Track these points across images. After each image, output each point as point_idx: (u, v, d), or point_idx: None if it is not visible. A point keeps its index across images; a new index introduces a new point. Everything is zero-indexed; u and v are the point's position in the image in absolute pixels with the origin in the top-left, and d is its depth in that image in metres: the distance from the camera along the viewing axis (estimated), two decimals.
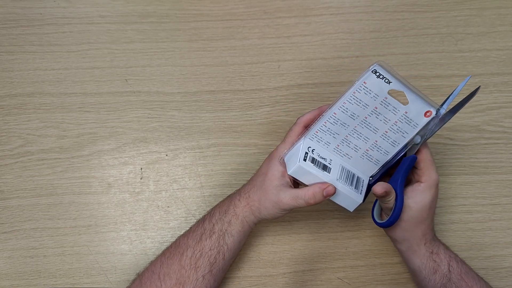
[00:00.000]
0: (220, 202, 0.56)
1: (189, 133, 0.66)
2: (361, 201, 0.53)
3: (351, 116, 0.52)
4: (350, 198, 0.53)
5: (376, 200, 0.56)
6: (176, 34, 0.70)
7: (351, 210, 0.54)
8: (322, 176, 0.51)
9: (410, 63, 0.69)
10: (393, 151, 0.54)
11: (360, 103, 0.51)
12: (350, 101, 0.51)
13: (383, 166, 0.55)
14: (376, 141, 0.53)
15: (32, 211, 0.63)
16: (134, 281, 0.54)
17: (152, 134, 0.66)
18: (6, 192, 0.64)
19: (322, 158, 0.53)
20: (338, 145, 0.53)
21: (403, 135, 0.53)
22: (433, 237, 0.54)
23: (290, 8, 0.72)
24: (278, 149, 0.54)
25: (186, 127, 0.67)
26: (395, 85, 0.50)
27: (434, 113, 0.52)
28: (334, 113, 0.51)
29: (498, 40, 0.70)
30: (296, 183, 0.54)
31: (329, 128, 0.52)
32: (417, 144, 0.53)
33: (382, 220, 0.55)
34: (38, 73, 0.68)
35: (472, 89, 0.51)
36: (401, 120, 0.52)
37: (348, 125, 0.52)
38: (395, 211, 0.51)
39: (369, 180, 0.55)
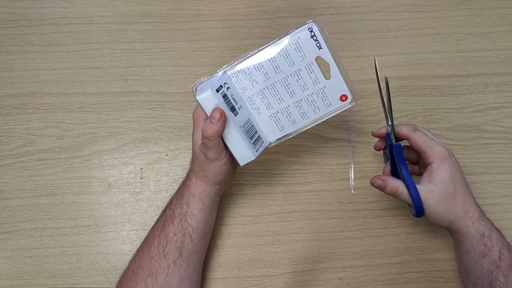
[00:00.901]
0: (177, 188, 0.57)
1: (189, 133, 0.66)
2: (254, 158, 0.52)
3: (275, 68, 0.50)
4: (244, 150, 0.51)
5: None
6: (176, 34, 0.70)
7: (241, 164, 0.52)
8: (227, 115, 0.49)
9: (410, 63, 0.69)
10: (300, 123, 0.53)
11: (288, 57, 0.49)
12: (280, 52, 0.49)
13: (285, 136, 0.53)
14: (289, 106, 0.52)
15: (32, 211, 0.63)
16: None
17: (152, 134, 0.66)
18: (6, 192, 0.64)
19: (234, 100, 0.50)
20: (253, 95, 0.51)
21: (314, 109, 0.52)
22: (481, 216, 0.53)
23: (290, 8, 0.72)
24: (194, 111, 0.52)
25: (186, 127, 0.67)
26: (324, 54, 0.49)
27: (349, 99, 0.51)
28: (261, 59, 0.50)
29: (498, 40, 0.70)
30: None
31: (251, 72, 0.50)
32: (390, 133, 0.53)
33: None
34: (38, 73, 0.68)
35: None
36: (317, 93, 0.51)
37: (269, 77, 0.50)
38: (414, 199, 0.51)
39: (269, 144, 0.54)
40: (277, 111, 0.52)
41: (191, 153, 0.65)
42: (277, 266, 0.61)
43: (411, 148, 0.55)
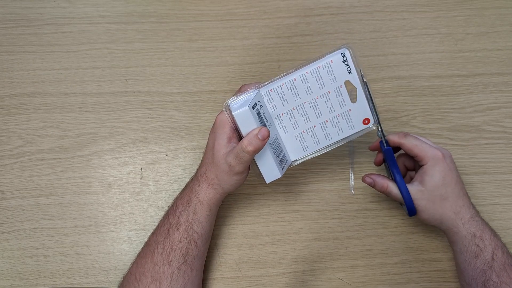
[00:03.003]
0: (180, 192, 0.56)
1: (189, 133, 0.66)
2: (280, 176, 0.53)
3: (306, 89, 0.52)
4: (272, 168, 0.52)
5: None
6: (176, 34, 0.70)
7: (267, 182, 0.53)
8: None
9: (410, 63, 0.69)
10: (323, 143, 0.54)
11: (319, 80, 0.51)
12: (312, 73, 0.51)
13: (307, 155, 0.55)
14: (315, 126, 0.53)
15: (32, 211, 0.63)
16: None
17: (152, 134, 0.66)
18: (6, 192, 0.64)
19: (265, 118, 0.52)
20: (282, 114, 0.53)
21: (338, 131, 0.54)
22: (473, 217, 0.53)
23: (290, 8, 0.72)
24: (218, 117, 0.52)
25: (186, 127, 0.67)
26: (353, 79, 0.51)
27: (371, 122, 0.53)
28: (294, 79, 0.51)
29: (498, 40, 0.70)
30: None
31: (283, 91, 0.52)
32: (380, 138, 0.54)
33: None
34: (38, 73, 0.68)
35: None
36: (342, 115, 0.53)
37: (300, 97, 0.52)
38: (405, 200, 0.53)
39: (291, 163, 0.55)
40: (303, 131, 0.54)
41: (192, 152, 0.66)
42: (277, 266, 0.61)
43: (407, 155, 0.57)
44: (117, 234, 0.62)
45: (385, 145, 0.55)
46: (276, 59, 0.69)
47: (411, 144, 0.54)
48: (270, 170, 0.52)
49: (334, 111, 0.53)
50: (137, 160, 0.65)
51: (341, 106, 0.52)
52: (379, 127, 0.54)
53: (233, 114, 0.49)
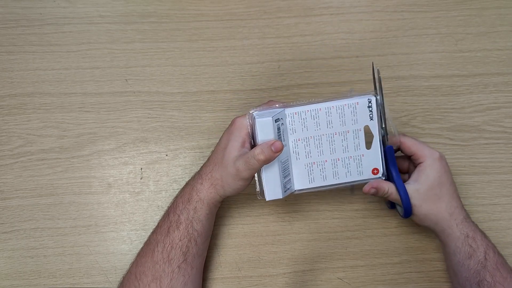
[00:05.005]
0: (181, 190, 0.56)
1: (189, 133, 0.66)
2: (281, 197, 0.53)
3: (328, 123, 0.53)
4: (276, 186, 0.52)
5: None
6: (176, 34, 0.70)
7: (267, 199, 0.52)
8: None
9: (410, 63, 0.69)
10: (330, 181, 0.54)
11: (342, 117, 0.52)
12: (337, 108, 0.52)
13: (311, 188, 0.55)
14: (326, 161, 0.54)
15: (32, 211, 0.63)
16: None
17: (152, 134, 0.66)
18: (6, 192, 0.64)
19: (283, 137, 0.52)
20: (299, 140, 0.53)
21: (347, 173, 0.54)
22: (466, 219, 0.54)
23: (290, 8, 0.72)
24: (237, 119, 0.53)
25: (186, 127, 0.67)
26: (372, 126, 0.53)
27: (380, 173, 0.54)
28: (319, 109, 0.52)
29: (498, 40, 0.70)
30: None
31: (306, 118, 0.53)
32: (383, 136, 0.54)
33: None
34: (38, 73, 0.68)
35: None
36: (354, 158, 0.54)
37: (320, 128, 0.53)
38: (402, 200, 0.53)
39: (294, 191, 0.55)
40: (314, 162, 0.54)
41: (192, 152, 0.66)
42: (277, 266, 0.61)
43: (402, 157, 0.57)
44: (117, 234, 0.63)
45: (387, 142, 0.55)
46: (276, 59, 0.69)
47: (410, 142, 0.54)
48: (273, 188, 0.52)
49: (348, 151, 0.53)
50: (137, 160, 0.65)
51: (356, 149, 0.53)
52: (383, 124, 0.54)
53: (256, 120, 0.50)
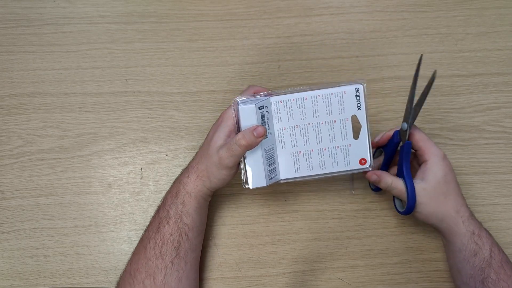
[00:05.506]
0: (170, 187, 0.56)
1: (189, 133, 0.66)
2: (265, 185, 0.52)
3: (314, 112, 0.52)
4: (260, 174, 0.52)
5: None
6: (176, 34, 0.70)
7: (251, 187, 0.52)
8: None
9: (410, 63, 0.69)
10: (316, 171, 0.54)
11: (328, 106, 0.52)
12: (324, 97, 0.52)
13: (296, 178, 0.54)
14: (312, 150, 0.53)
15: (32, 211, 0.63)
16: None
17: (152, 134, 0.66)
18: (6, 192, 0.64)
19: (267, 125, 0.52)
20: (285, 128, 0.53)
21: (333, 163, 0.54)
22: (471, 216, 0.54)
23: (290, 8, 0.72)
24: (224, 112, 0.53)
25: (186, 127, 0.67)
26: (360, 115, 0.52)
27: (368, 164, 0.53)
28: (305, 97, 0.52)
29: (498, 40, 0.70)
30: None
31: (291, 106, 0.52)
32: (405, 130, 0.54)
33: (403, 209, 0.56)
34: (38, 73, 0.68)
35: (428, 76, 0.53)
36: (341, 148, 0.53)
37: (306, 118, 0.52)
38: (409, 196, 0.53)
39: (279, 181, 0.55)
40: (300, 152, 0.53)
41: (192, 152, 0.66)
42: (277, 266, 0.61)
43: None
44: (117, 234, 0.63)
45: (407, 138, 0.54)
46: (276, 59, 0.69)
47: (420, 137, 0.54)
48: (257, 176, 0.52)
49: (335, 141, 0.53)
50: (137, 160, 0.65)
51: (343, 138, 0.53)
52: (410, 120, 0.53)
53: (239, 106, 0.50)
